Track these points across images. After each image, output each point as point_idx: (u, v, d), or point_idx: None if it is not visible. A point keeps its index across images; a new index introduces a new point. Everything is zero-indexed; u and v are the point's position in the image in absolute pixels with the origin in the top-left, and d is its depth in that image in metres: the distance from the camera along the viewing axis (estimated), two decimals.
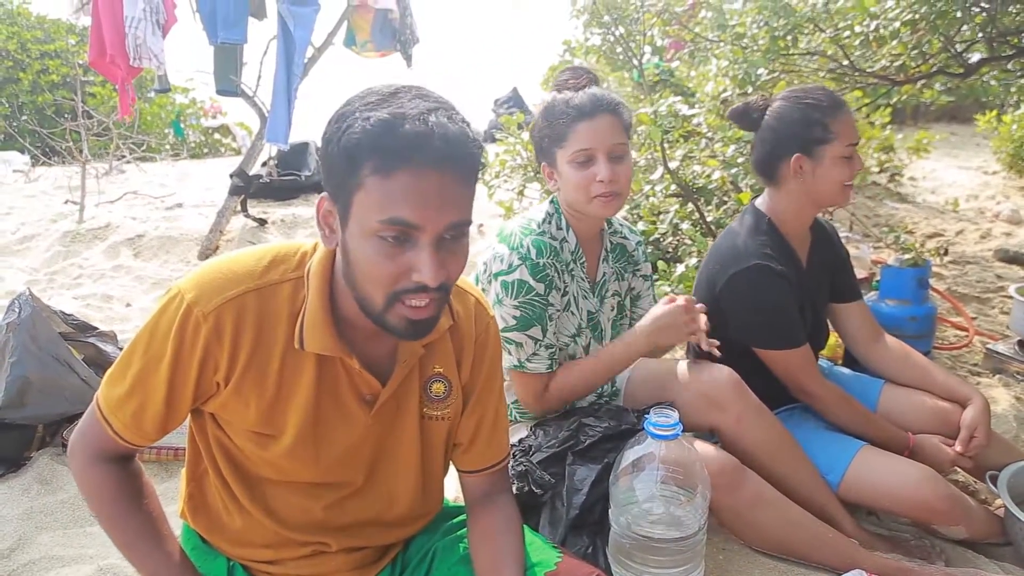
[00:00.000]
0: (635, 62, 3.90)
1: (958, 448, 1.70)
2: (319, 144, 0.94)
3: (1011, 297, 2.66)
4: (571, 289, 1.65)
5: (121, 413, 1.01)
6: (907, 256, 2.68)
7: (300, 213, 5.24)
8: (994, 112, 6.25)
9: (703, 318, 1.61)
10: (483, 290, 1.58)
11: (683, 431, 1.30)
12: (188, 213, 5.39)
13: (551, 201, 1.68)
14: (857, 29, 3.09)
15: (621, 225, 1.84)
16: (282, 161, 5.97)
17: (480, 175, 0.96)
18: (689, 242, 2.73)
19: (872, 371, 1.93)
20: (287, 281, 1.00)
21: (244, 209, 4.92)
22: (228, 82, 4.45)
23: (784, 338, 1.70)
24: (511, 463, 1.58)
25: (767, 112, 1.74)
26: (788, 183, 1.73)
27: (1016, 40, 3.22)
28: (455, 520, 1.23)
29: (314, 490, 1.08)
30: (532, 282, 1.53)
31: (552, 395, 1.62)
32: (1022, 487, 1.67)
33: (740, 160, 3.03)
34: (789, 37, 3.24)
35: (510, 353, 1.58)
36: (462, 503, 1.25)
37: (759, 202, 1.82)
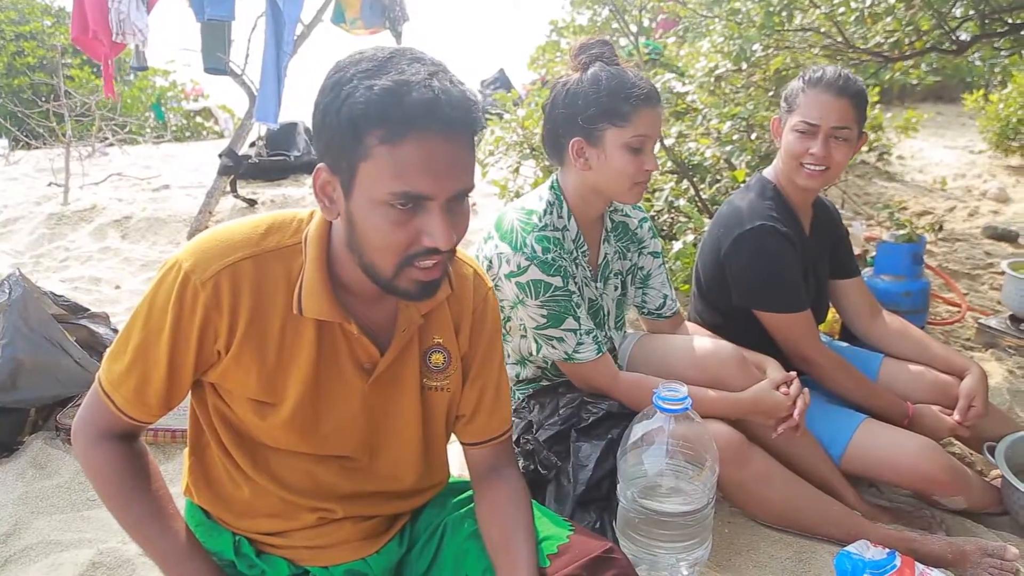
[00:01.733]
0: (630, 38, 3.85)
1: (956, 417, 1.72)
2: (308, 123, 0.93)
3: (1001, 273, 2.68)
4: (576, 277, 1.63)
5: (123, 388, 1.00)
6: (902, 232, 2.70)
7: (290, 193, 5.19)
8: (981, 92, 6.27)
9: (799, 409, 1.56)
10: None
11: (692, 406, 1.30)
12: (176, 194, 5.31)
13: (551, 188, 1.60)
14: (852, 5, 3.08)
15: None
16: (270, 141, 5.89)
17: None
18: (685, 219, 2.72)
19: (871, 346, 1.94)
20: (284, 248, 1.00)
21: (233, 190, 4.86)
22: (216, 60, 4.35)
23: (787, 301, 1.70)
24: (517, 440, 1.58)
25: None
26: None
27: (1008, 17, 3.22)
28: (463, 495, 1.22)
29: (316, 458, 1.08)
30: (547, 278, 1.49)
31: (622, 389, 1.57)
32: (1019, 458, 1.69)
33: (735, 137, 3.03)
34: (784, 13, 3.23)
35: (554, 348, 1.54)
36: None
37: (766, 171, 1.83)
